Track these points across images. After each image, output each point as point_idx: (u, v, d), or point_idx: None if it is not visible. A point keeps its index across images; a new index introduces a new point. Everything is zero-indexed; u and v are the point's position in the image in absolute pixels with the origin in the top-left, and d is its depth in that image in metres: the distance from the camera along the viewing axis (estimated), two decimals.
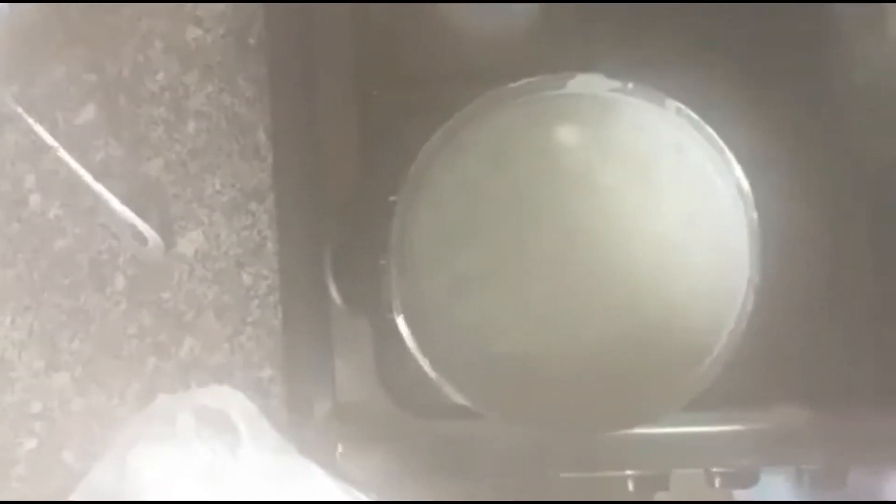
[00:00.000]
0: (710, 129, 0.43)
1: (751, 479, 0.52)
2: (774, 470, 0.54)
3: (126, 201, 0.52)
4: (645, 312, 0.45)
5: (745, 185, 0.43)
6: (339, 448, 0.53)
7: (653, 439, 0.50)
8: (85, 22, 0.53)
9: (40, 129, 0.51)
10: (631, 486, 0.52)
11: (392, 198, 0.46)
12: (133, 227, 0.52)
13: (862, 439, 0.50)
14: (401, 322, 0.45)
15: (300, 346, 0.53)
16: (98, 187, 0.51)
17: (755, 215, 0.43)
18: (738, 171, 0.43)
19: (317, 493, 0.48)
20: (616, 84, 0.44)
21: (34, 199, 0.53)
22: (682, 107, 0.43)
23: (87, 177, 0.51)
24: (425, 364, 0.45)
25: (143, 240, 0.52)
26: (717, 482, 0.51)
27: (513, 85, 0.45)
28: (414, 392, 0.52)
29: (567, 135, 0.45)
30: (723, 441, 0.51)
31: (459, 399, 0.45)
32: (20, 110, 0.51)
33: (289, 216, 0.52)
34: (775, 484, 0.55)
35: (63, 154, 0.51)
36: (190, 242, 0.52)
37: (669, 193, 0.45)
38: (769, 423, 0.50)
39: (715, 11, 0.49)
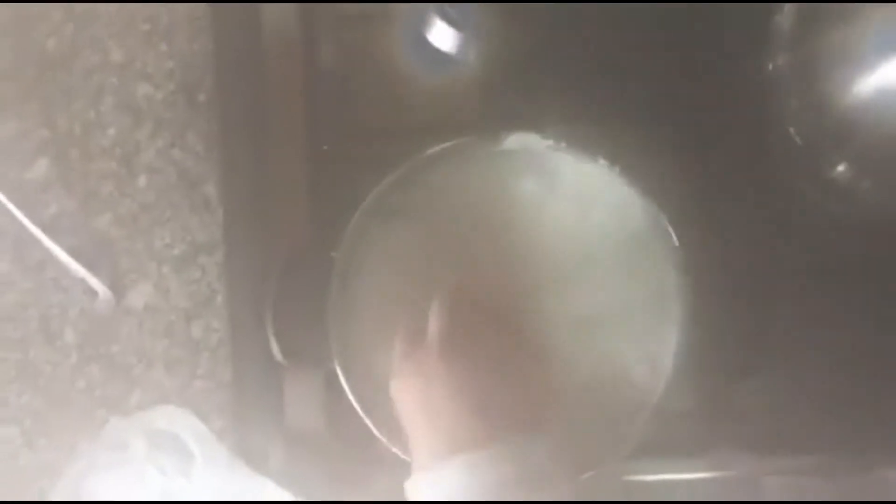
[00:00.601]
0: (639, 186, 0.44)
1: None
2: None
3: (76, 255, 0.52)
4: (584, 366, 0.46)
5: (675, 239, 0.44)
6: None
7: (606, 488, 0.50)
8: (38, 79, 0.54)
9: None
10: None
11: (334, 253, 0.47)
12: (83, 281, 0.52)
13: (817, 484, 0.50)
14: (340, 374, 0.46)
15: (250, 397, 0.53)
16: (48, 242, 0.52)
17: (688, 268, 0.44)
18: (668, 225, 0.44)
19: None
20: (550, 142, 0.45)
21: None
22: (612, 165, 0.44)
23: (37, 231, 0.52)
24: (364, 415, 0.46)
25: (92, 294, 0.52)
26: None
27: (449, 143, 0.46)
28: (362, 441, 0.52)
29: (502, 189, 0.46)
30: (670, 489, 0.51)
31: (397, 452, 0.46)
32: None
33: (238, 269, 0.53)
34: None
35: (13, 209, 0.52)
36: (139, 295, 0.53)
37: (603, 247, 0.46)
38: (714, 471, 0.51)
39: (650, 69, 0.50)
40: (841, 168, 0.48)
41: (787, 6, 0.48)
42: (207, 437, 0.47)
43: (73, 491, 0.47)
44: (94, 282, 0.52)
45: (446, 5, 0.49)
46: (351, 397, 0.46)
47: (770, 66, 0.49)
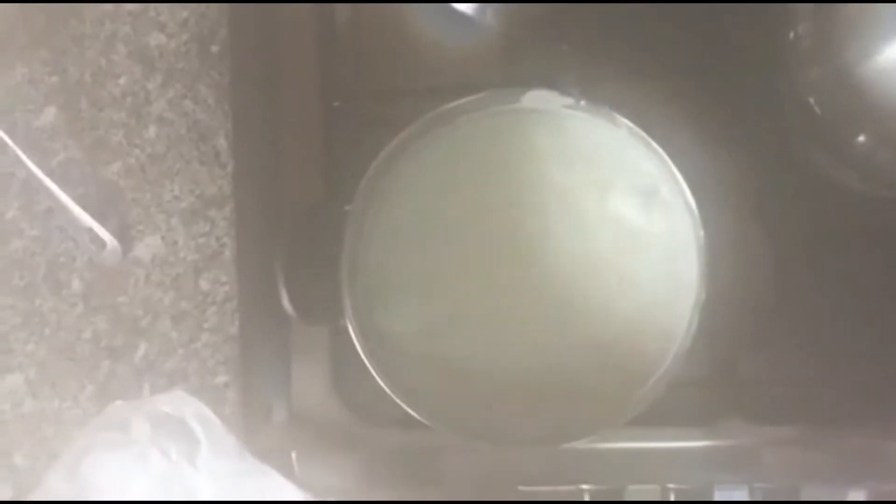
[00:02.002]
0: (659, 148, 0.44)
1: (705, 496, 0.52)
2: (728, 487, 0.54)
3: (84, 205, 0.51)
4: (593, 329, 0.45)
5: (693, 203, 0.44)
6: (294, 456, 0.53)
7: (609, 454, 0.51)
8: (48, 25, 0.53)
9: None
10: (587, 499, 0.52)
11: (347, 207, 0.47)
12: (91, 230, 0.52)
13: (814, 456, 0.50)
14: (352, 330, 0.46)
15: (257, 353, 0.53)
16: (56, 190, 0.51)
17: (703, 234, 0.44)
18: (687, 190, 0.44)
19: (278, 498, 0.47)
20: (569, 101, 0.45)
21: None
22: (633, 125, 0.44)
23: (46, 179, 0.51)
24: (376, 373, 0.46)
25: (100, 243, 0.52)
26: (671, 498, 0.52)
27: (466, 99, 0.45)
28: (370, 401, 0.52)
29: (519, 149, 0.46)
30: (676, 457, 0.51)
31: (409, 409, 0.45)
32: None
33: (248, 223, 0.52)
34: (729, 498, 0.55)
35: (21, 156, 0.51)
36: (148, 247, 0.52)
37: (619, 210, 0.45)
38: (721, 439, 0.51)
39: (670, 33, 0.50)
40: (860, 139, 0.47)
41: None
42: (215, 423, 0.47)
43: (72, 469, 0.46)
44: (102, 232, 0.51)
45: None
46: (362, 354, 0.46)
47: (791, 35, 0.49)
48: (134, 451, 0.46)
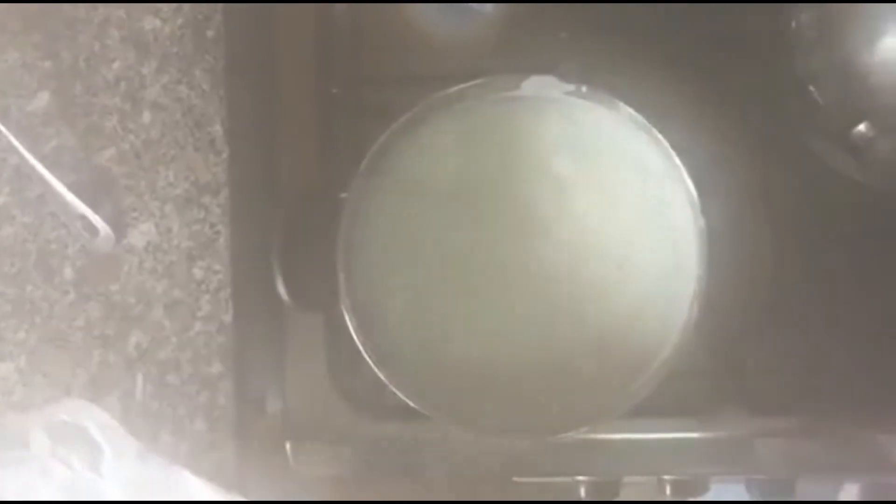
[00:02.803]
0: (660, 136, 0.44)
1: (701, 488, 0.52)
2: (724, 478, 0.54)
3: (77, 191, 0.51)
4: (592, 318, 0.45)
5: (694, 191, 0.43)
6: (288, 446, 0.52)
7: (604, 446, 0.50)
8: (41, 9, 0.53)
9: None
10: (583, 492, 0.52)
11: (343, 194, 0.46)
12: (83, 217, 0.51)
13: (811, 447, 0.50)
14: (348, 318, 0.45)
15: (251, 342, 0.53)
16: (48, 176, 0.51)
17: (703, 222, 0.43)
18: (687, 178, 0.43)
19: (192, 495, 0.46)
20: (570, 87, 0.45)
21: None
22: (634, 112, 0.44)
23: (38, 165, 0.51)
24: (372, 362, 0.45)
25: (93, 230, 0.51)
26: (667, 490, 0.51)
27: (465, 85, 0.45)
28: (365, 391, 0.52)
29: (518, 136, 0.45)
30: (673, 449, 0.51)
31: (406, 399, 0.45)
32: None
33: (242, 210, 0.52)
34: (725, 492, 0.55)
35: (14, 141, 0.51)
36: (141, 234, 0.52)
37: (619, 198, 0.45)
38: (718, 431, 0.51)
39: (672, 20, 0.50)
40: (861, 128, 0.47)
41: None
42: (115, 428, 0.46)
43: None
44: (95, 218, 0.51)
45: None
46: (358, 343, 0.45)
47: (793, 24, 0.49)
48: (35, 465, 0.45)
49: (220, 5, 0.51)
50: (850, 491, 0.55)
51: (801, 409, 0.50)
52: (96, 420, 0.46)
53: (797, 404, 0.50)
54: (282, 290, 0.45)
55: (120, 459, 0.45)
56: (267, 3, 0.54)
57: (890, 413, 0.49)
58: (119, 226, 0.52)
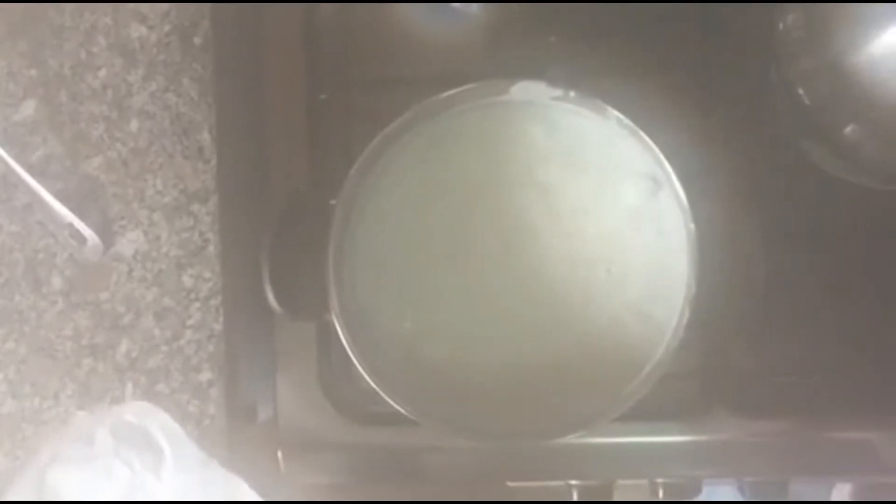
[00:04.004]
0: (649, 140, 0.44)
1: (693, 490, 0.52)
2: (716, 481, 0.54)
3: (64, 200, 0.51)
4: (583, 323, 0.45)
5: (683, 196, 0.43)
6: (279, 454, 0.52)
7: (597, 449, 0.50)
8: (27, 17, 0.52)
9: None
10: (576, 495, 0.52)
11: (333, 201, 0.46)
12: (71, 226, 0.51)
13: (802, 449, 0.50)
14: (338, 326, 0.45)
15: (242, 350, 0.52)
16: (35, 185, 0.50)
17: (693, 227, 0.43)
18: (677, 181, 0.43)
19: None
20: (558, 92, 0.45)
21: None
22: (623, 117, 0.44)
23: (25, 174, 0.50)
24: (362, 369, 0.45)
25: (81, 239, 0.51)
26: (660, 492, 0.51)
27: (454, 91, 0.45)
28: (356, 398, 0.52)
29: (507, 141, 0.45)
30: (665, 452, 0.51)
31: (396, 406, 0.45)
32: None
33: (232, 218, 0.52)
34: (718, 494, 0.55)
35: (0, 150, 0.50)
36: (130, 243, 0.52)
37: (609, 202, 0.45)
38: (709, 434, 0.51)
39: (660, 24, 0.50)
40: (849, 129, 0.47)
41: None
42: (178, 433, 0.46)
43: (37, 483, 0.45)
44: (83, 227, 0.51)
45: None
46: (349, 350, 0.45)
47: (780, 25, 0.49)
48: (98, 463, 0.45)
49: (207, 13, 0.51)
50: (843, 491, 0.55)
51: (791, 412, 0.50)
52: (161, 424, 0.46)
53: (788, 407, 0.50)
54: (272, 299, 0.45)
55: (180, 465, 0.45)
56: (254, 10, 0.53)
57: (881, 414, 0.49)
58: (107, 234, 0.51)
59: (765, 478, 0.52)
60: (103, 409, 0.49)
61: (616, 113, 0.44)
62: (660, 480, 0.51)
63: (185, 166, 0.52)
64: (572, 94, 0.44)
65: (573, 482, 0.51)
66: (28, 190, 0.51)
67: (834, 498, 0.54)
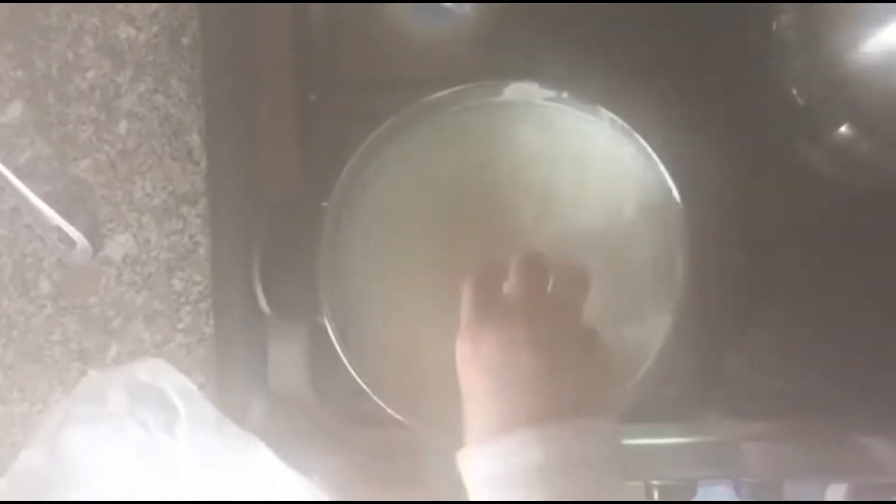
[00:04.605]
0: (642, 141, 0.43)
1: (688, 491, 0.52)
2: (711, 482, 0.54)
3: (52, 203, 0.50)
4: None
5: (677, 195, 0.43)
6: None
7: None
8: (13, 17, 0.52)
9: None
10: None
11: (324, 203, 0.46)
12: (59, 229, 0.50)
13: (797, 450, 0.50)
14: (330, 329, 0.45)
15: (232, 353, 0.52)
16: (23, 188, 0.50)
17: (686, 226, 0.43)
18: (670, 182, 0.43)
19: (263, 469, 0.46)
20: (551, 93, 0.44)
21: None
22: (616, 117, 0.43)
23: (12, 177, 0.50)
24: (354, 371, 0.45)
25: (69, 243, 0.50)
26: (655, 494, 0.51)
27: (446, 92, 0.44)
28: (348, 400, 0.51)
29: (500, 142, 0.45)
30: (660, 454, 0.51)
31: (388, 408, 0.45)
32: None
33: (222, 221, 0.51)
34: (713, 495, 0.55)
35: None
36: (119, 246, 0.51)
37: (601, 203, 0.45)
38: (705, 435, 0.50)
39: (653, 24, 0.49)
40: (842, 130, 0.47)
41: None
42: (193, 392, 0.46)
43: (50, 443, 0.45)
44: (72, 230, 0.50)
45: None
46: (340, 352, 0.45)
47: (774, 26, 0.48)
48: (111, 422, 0.45)
49: (196, 13, 0.51)
50: (837, 491, 0.55)
51: (786, 413, 0.50)
52: (175, 383, 0.45)
53: (782, 408, 0.50)
54: (262, 302, 0.44)
55: (195, 425, 0.45)
56: (244, 10, 0.53)
57: (875, 416, 0.49)
58: (96, 237, 0.51)
59: (759, 479, 0.51)
60: (117, 368, 0.48)
61: (609, 113, 0.44)
62: (655, 482, 0.51)
63: (175, 168, 0.51)
64: (565, 94, 0.44)
65: None
66: (15, 193, 0.50)
67: (828, 499, 0.54)
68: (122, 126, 0.51)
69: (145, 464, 0.45)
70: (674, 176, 0.44)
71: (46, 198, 0.50)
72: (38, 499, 0.44)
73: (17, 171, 0.50)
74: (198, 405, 0.46)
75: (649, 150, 0.43)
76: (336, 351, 0.45)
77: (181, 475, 0.45)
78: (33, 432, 0.46)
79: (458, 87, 0.44)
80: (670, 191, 0.44)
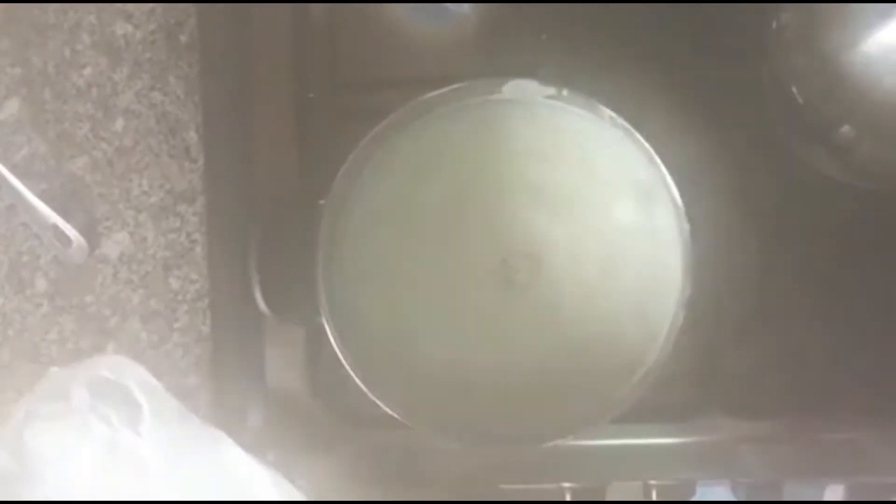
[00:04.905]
0: (643, 139, 0.43)
1: (687, 492, 0.52)
2: (710, 482, 0.54)
3: (49, 200, 0.50)
4: (575, 325, 0.45)
5: (678, 196, 0.43)
6: (270, 457, 0.52)
7: (590, 452, 0.50)
8: (9, 14, 0.51)
9: None
10: (569, 498, 0.51)
11: (322, 201, 0.46)
12: (55, 227, 0.50)
13: (796, 451, 0.50)
14: (328, 328, 0.45)
15: (230, 353, 0.52)
16: (19, 185, 0.50)
17: (687, 227, 0.43)
18: (671, 182, 0.43)
19: (227, 463, 0.45)
20: (550, 90, 0.44)
21: None
22: (616, 115, 0.43)
23: (8, 174, 0.50)
24: (353, 372, 0.45)
25: (65, 240, 0.50)
26: (654, 494, 0.51)
27: (444, 90, 0.44)
28: (347, 401, 0.51)
29: (499, 140, 0.45)
30: (658, 454, 0.51)
31: (387, 408, 0.44)
32: None
33: (219, 219, 0.51)
34: (711, 496, 0.55)
35: None
36: (115, 244, 0.51)
37: (601, 202, 0.44)
38: (703, 435, 0.50)
39: (653, 22, 0.49)
40: (843, 129, 0.47)
41: None
42: (156, 388, 0.45)
43: (14, 441, 0.44)
44: (68, 228, 0.50)
45: None
46: (339, 353, 0.45)
47: (774, 24, 0.48)
48: (74, 420, 0.44)
49: (193, 11, 0.50)
50: (836, 491, 0.55)
51: (785, 413, 0.50)
52: (137, 378, 0.45)
53: (782, 408, 0.50)
54: (260, 301, 0.44)
55: (159, 419, 0.44)
56: (242, 8, 0.53)
57: (875, 416, 0.49)
58: (92, 235, 0.51)
59: (759, 479, 0.51)
60: (78, 364, 0.47)
61: (609, 112, 0.44)
62: (653, 482, 0.51)
63: (172, 166, 0.51)
64: (565, 92, 0.44)
65: (566, 485, 0.51)
66: (11, 190, 0.50)
67: (827, 498, 0.54)
68: (119, 123, 0.51)
69: (110, 460, 0.44)
70: (674, 175, 0.44)
71: (42, 195, 0.50)
72: (2, 498, 0.44)
73: (13, 169, 0.50)
74: (162, 401, 0.45)
75: (649, 148, 0.43)
76: (334, 350, 0.45)
77: (146, 471, 0.44)
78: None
79: (455, 85, 0.44)
80: (670, 190, 0.44)
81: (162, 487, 0.44)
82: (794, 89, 0.48)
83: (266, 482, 0.45)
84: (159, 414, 0.44)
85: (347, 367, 0.45)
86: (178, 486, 0.44)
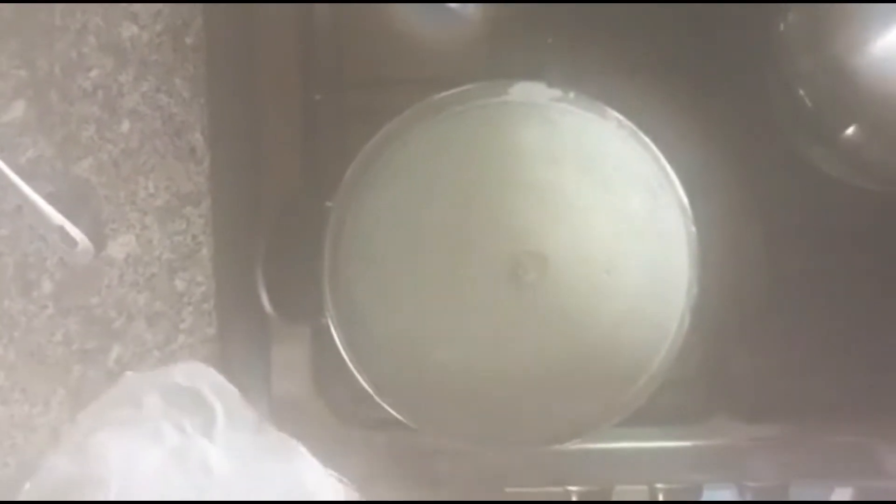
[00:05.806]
0: (649, 142, 0.43)
1: (694, 495, 0.52)
2: (716, 486, 0.54)
3: (55, 202, 0.50)
4: (582, 327, 0.45)
5: (685, 198, 0.43)
6: None
7: (597, 455, 0.50)
8: (17, 16, 0.51)
9: None
10: (575, 500, 0.51)
11: (328, 203, 0.46)
12: (62, 229, 0.50)
13: (802, 454, 0.50)
14: (334, 329, 0.45)
15: (235, 354, 0.52)
16: (25, 187, 0.50)
17: (694, 229, 0.43)
18: (678, 184, 0.43)
19: (304, 475, 0.45)
20: (557, 93, 0.44)
21: None
22: (622, 118, 0.43)
23: (14, 176, 0.50)
24: (358, 374, 0.44)
25: (71, 242, 0.50)
26: (660, 497, 0.51)
27: (452, 91, 0.44)
28: (352, 403, 0.51)
29: (505, 142, 0.45)
30: (664, 457, 0.51)
31: (393, 411, 0.44)
32: None
33: (225, 221, 0.51)
34: (718, 498, 0.55)
35: None
36: (121, 246, 0.51)
37: (608, 204, 0.44)
38: (709, 438, 0.50)
39: (660, 24, 0.49)
40: (851, 130, 0.47)
41: None
42: (233, 394, 0.44)
43: (79, 447, 0.44)
44: (74, 230, 0.50)
45: None
46: (344, 355, 0.45)
47: (781, 27, 0.48)
48: (146, 426, 0.44)
49: (199, 12, 0.50)
50: (843, 494, 0.55)
51: (792, 416, 0.50)
52: (213, 384, 0.44)
53: (789, 411, 0.50)
54: (266, 303, 0.44)
55: (234, 427, 0.44)
56: (248, 9, 0.53)
57: (882, 419, 0.49)
58: (98, 237, 0.51)
59: (765, 482, 0.51)
60: (153, 370, 0.47)
61: (616, 114, 0.44)
62: (660, 485, 0.51)
63: (178, 168, 0.51)
64: (571, 94, 0.44)
65: (572, 488, 0.51)
66: (18, 192, 0.50)
67: (834, 499, 0.54)
68: (125, 125, 0.51)
69: (181, 468, 0.44)
70: (680, 177, 0.43)
71: (49, 197, 0.50)
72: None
73: (20, 171, 0.50)
74: (237, 407, 0.44)
75: (656, 150, 0.43)
76: (340, 352, 0.45)
77: (212, 479, 0.44)
78: (63, 435, 0.45)
79: (463, 87, 0.44)
80: (677, 192, 0.43)
81: (226, 495, 0.43)
82: (801, 91, 0.47)
83: (337, 492, 0.45)
84: (234, 421, 0.44)
85: (353, 369, 0.45)
86: (244, 495, 0.44)
